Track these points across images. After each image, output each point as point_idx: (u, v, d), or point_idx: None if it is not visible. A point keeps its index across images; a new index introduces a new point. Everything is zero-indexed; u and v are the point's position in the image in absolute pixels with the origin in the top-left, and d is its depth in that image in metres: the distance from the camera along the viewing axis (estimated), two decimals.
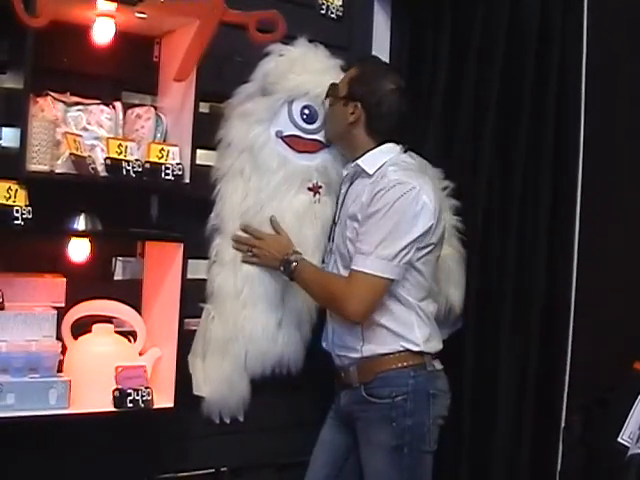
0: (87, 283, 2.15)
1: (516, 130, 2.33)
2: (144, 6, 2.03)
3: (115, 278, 2.27)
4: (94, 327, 2.13)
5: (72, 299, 2.11)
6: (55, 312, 2.06)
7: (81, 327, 2.13)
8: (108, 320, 2.15)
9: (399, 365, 2.13)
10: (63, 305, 2.10)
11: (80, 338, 2.11)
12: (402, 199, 2.05)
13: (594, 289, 2.16)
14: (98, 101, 2.13)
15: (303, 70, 2.28)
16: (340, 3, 2.59)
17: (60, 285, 2.10)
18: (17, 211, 1.87)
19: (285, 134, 2.26)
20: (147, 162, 2.06)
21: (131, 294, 2.24)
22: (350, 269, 2.09)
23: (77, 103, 2.09)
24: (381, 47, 2.66)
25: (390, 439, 2.10)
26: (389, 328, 2.14)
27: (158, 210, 2.24)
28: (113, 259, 2.26)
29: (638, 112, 2.06)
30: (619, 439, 1.74)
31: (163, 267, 2.17)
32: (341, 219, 2.25)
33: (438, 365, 2.19)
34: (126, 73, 2.25)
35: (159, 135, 2.19)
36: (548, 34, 2.28)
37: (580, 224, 2.22)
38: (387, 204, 2.05)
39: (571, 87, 2.23)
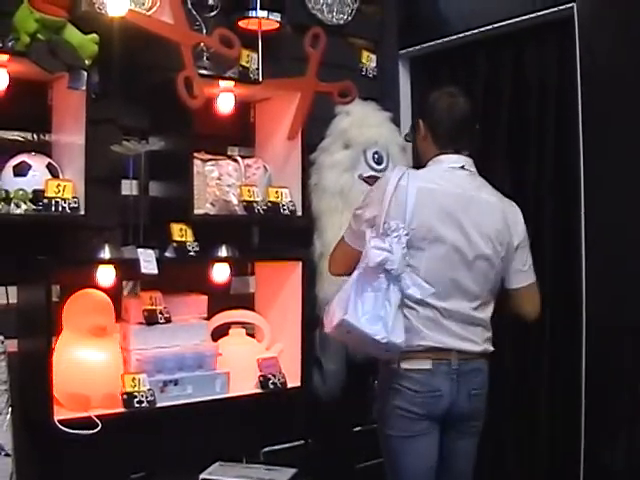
0: (215, 297, 2.75)
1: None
2: (263, 84, 2.69)
3: (231, 292, 2.88)
4: (231, 331, 2.74)
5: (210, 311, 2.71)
6: (206, 322, 2.66)
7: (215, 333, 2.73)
8: (240, 325, 2.77)
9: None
10: (206, 316, 2.69)
11: (220, 340, 2.71)
12: None
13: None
14: (224, 157, 2.74)
15: (369, 126, 2.96)
16: (374, 65, 3.30)
17: (203, 301, 2.68)
18: (189, 245, 2.49)
19: (365, 175, 2.93)
20: (269, 202, 2.69)
21: (245, 304, 2.86)
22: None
23: (210, 159, 2.69)
24: (405, 99, 3.39)
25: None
26: None
27: (273, 237, 2.88)
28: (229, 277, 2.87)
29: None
30: None
31: (277, 281, 2.80)
32: None
33: (406, 365, 2.18)
34: (231, 131, 2.88)
35: (265, 180, 2.82)
36: (546, 86, 2.94)
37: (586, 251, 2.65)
38: None
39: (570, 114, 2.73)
